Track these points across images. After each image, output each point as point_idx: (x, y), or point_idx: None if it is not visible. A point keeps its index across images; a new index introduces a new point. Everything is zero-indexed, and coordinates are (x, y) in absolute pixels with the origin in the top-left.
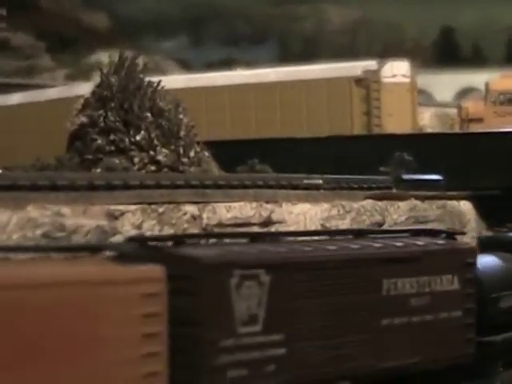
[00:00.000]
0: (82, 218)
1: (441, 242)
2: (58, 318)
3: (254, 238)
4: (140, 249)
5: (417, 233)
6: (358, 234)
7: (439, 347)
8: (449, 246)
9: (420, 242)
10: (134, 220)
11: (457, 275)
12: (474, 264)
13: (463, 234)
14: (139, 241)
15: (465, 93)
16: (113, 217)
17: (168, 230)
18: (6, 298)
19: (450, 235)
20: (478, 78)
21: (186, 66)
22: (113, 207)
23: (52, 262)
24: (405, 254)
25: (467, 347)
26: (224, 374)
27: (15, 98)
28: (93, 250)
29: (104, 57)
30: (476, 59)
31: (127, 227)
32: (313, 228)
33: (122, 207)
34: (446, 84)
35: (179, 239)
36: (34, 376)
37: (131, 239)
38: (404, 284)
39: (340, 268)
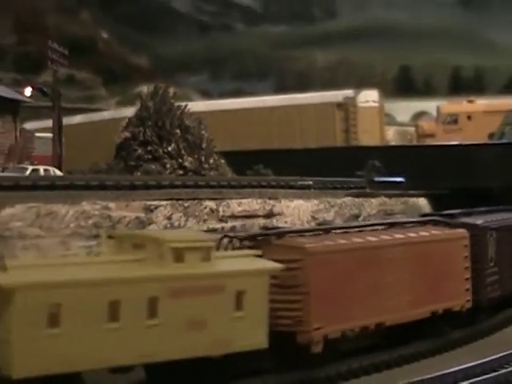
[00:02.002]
0: (124, 211)
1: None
2: (424, 261)
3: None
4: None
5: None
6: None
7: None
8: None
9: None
10: (165, 212)
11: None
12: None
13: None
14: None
15: (418, 116)
16: (149, 210)
17: (192, 221)
18: (371, 254)
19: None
20: (428, 105)
21: (207, 95)
22: (149, 202)
23: (397, 231)
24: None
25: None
26: (486, 281)
27: (77, 119)
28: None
29: (145, 88)
30: (426, 90)
31: (160, 218)
32: (305, 219)
33: (156, 202)
34: (404, 109)
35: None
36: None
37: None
38: None
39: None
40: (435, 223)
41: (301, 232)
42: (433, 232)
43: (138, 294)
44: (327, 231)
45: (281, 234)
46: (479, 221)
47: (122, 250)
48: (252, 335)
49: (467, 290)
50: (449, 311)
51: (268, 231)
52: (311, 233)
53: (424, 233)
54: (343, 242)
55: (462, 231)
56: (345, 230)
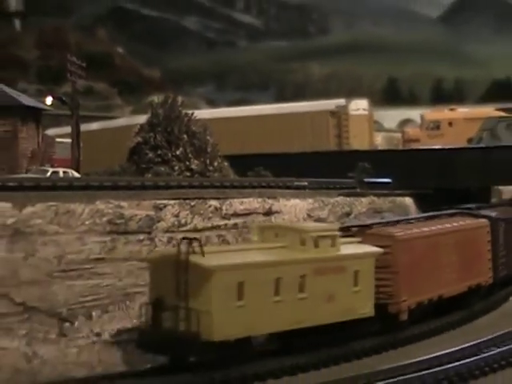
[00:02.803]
0: (135, 209)
1: (476, 220)
2: (464, 245)
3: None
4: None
5: (453, 214)
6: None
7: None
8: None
9: (473, 220)
10: (173, 211)
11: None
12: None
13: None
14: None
15: (404, 123)
16: (158, 208)
17: (197, 219)
18: (434, 240)
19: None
20: (413, 113)
21: (212, 104)
22: (158, 201)
23: (440, 221)
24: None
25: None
26: (499, 262)
27: (94, 126)
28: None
29: (156, 98)
30: (411, 100)
31: (168, 216)
32: (301, 216)
33: (164, 201)
34: (391, 116)
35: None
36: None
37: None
38: None
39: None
40: (462, 215)
41: (381, 224)
42: (467, 221)
43: (293, 273)
44: (397, 223)
45: (370, 225)
46: (493, 213)
47: (265, 238)
48: (365, 306)
49: (489, 268)
50: (478, 286)
51: (364, 223)
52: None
53: (462, 222)
54: (417, 230)
55: (485, 221)
56: (404, 222)
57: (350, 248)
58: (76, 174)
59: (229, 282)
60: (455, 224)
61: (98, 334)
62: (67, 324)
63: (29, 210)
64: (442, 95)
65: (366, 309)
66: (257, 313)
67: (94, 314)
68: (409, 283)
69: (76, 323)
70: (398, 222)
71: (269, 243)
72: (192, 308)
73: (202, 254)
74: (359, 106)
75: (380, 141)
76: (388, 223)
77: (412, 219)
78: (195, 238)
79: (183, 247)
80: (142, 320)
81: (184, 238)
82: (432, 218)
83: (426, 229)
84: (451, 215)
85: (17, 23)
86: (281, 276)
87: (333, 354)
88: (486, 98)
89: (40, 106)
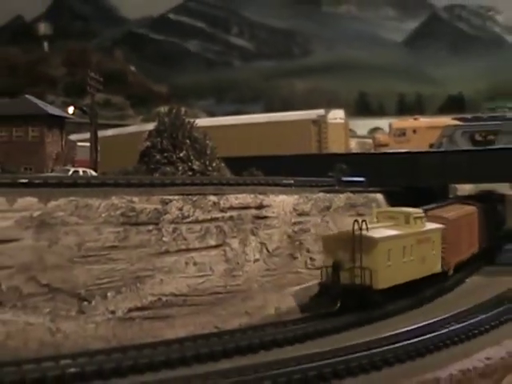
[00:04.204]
0: (145, 204)
1: (472, 206)
2: (471, 224)
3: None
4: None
5: (455, 202)
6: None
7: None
8: (475, 208)
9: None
10: (177, 205)
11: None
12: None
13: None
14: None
15: (374, 130)
16: (164, 203)
17: (198, 212)
18: (462, 220)
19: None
20: (381, 122)
21: (211, 114)
22: (165, 197)
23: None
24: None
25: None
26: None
27: (109, 132)
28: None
29: (163, 108)
30: (379, 111)
31: (173, 209)
32: (287, 210)
33: (170, 197)
34: (363, 125)
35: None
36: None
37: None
38: None
39: None
40: (462, 202)
41: (430, 209)
42: (470, 206)
43: (409, 242)
44: (436, 208)
45: (429, 209)
46: (477, 203)
47: (380, 219)
48: (437, 265)
49: (477, 242)
50: (473, 253)
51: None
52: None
53: (467, 207)
54: (455, 213)
55: (475, 207)
56: (439, 207)
57: (429, 225)
58: (94, 173)
59: (385, 248)
60: (466, 208)
61: (113, 312)
62: (86, 303)
63: (53, 203)
64: (405, 107)
65: (438, 267)
66: (396, 270)
67: (109, 294)
68: (453, 250)
69: (93, 302)
70: (436, 207)
71: (385, 223)
72: (364, 267)
73: (367, 230)
74: (336, 115)
75: (354, 145)
76: (432, 208)
77: (440, 205)
78: (363, 220)
79: (356, 226)
80: (322, 279)
81: (356, 221)
82: (450, 204)
83: (459, 212)
84: (457, 202)
85: (45, 45)
86: (405, 245)
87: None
88: (442, 110)
89: (63, 114)
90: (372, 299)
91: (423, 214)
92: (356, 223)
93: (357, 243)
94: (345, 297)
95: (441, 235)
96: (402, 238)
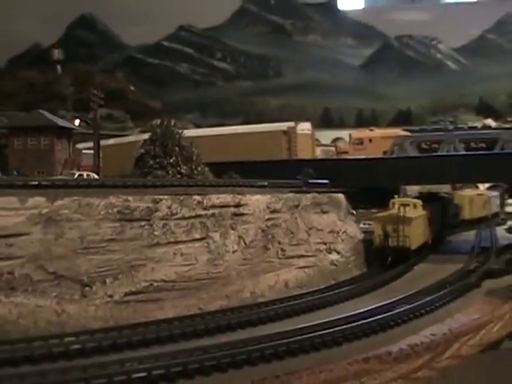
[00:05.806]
0: (139, 202)
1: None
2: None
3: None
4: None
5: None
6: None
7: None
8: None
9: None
10: (167, 204)
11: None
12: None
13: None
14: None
15: (336, 140)
16: (155, 202)
17: (185, 210)
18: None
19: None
20: (342, 133)
21: (198, 126)
22: (155, 196)
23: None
24: None
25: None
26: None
27: (111, 141)
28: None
29: (155, 121)
30: (341, 124)
31: (163, 207)
32: (262, 207)
33: (160, 196)
34: (326, 135)
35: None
36: None
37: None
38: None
39: None
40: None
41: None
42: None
43: (422, 220)
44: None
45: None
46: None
47: (396, 206)
48: (428, 236)
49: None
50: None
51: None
52: None
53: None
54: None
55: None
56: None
57: (416, 210)
58: (96, 177)
59: (416, 223)
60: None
61: (111, 296)
62: (87, 288)
63: (59, 202)
64: (363, 120)
65: (429, 238)
66: (419, 236)
67: (107, 280)
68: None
69: (94, 287)
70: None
71: (401, 209)
72: (404, 235)
73: (405, 211)
74: (304, 127)
75: (319, 153)
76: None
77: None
78: (406, 204)
79: (400, 209)
80: (376, 244)
81: (401, 205)
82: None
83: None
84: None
85: (58, 68)
86: (421, 221)
87: None
88: (394, 122)
89: (71, 126)
90: (410, 255)
91: (420, 202)
92: (400, 208)
93: (400, 220)
94: (391, 255)
95: (427, 218)
96: (420, 218)
